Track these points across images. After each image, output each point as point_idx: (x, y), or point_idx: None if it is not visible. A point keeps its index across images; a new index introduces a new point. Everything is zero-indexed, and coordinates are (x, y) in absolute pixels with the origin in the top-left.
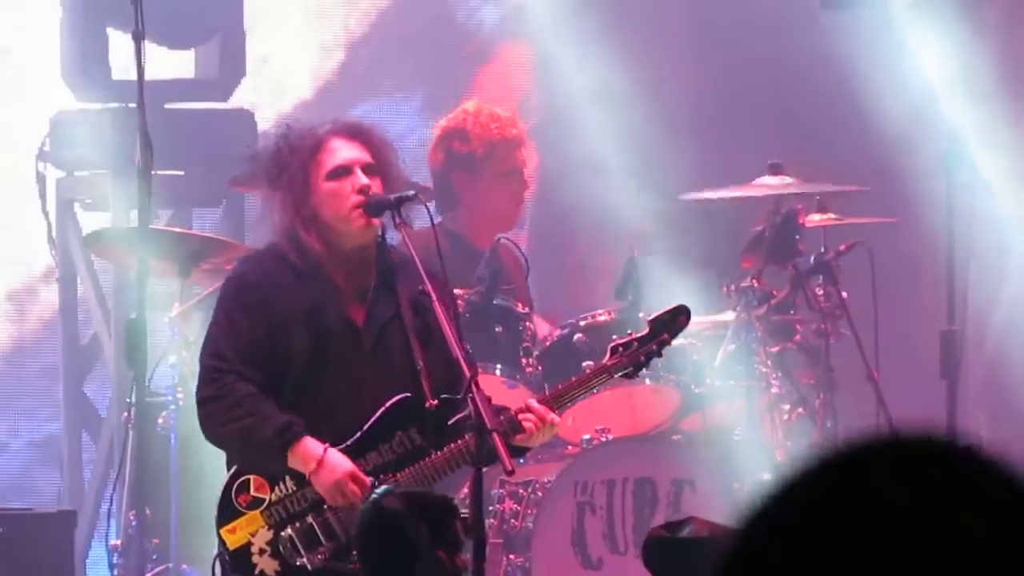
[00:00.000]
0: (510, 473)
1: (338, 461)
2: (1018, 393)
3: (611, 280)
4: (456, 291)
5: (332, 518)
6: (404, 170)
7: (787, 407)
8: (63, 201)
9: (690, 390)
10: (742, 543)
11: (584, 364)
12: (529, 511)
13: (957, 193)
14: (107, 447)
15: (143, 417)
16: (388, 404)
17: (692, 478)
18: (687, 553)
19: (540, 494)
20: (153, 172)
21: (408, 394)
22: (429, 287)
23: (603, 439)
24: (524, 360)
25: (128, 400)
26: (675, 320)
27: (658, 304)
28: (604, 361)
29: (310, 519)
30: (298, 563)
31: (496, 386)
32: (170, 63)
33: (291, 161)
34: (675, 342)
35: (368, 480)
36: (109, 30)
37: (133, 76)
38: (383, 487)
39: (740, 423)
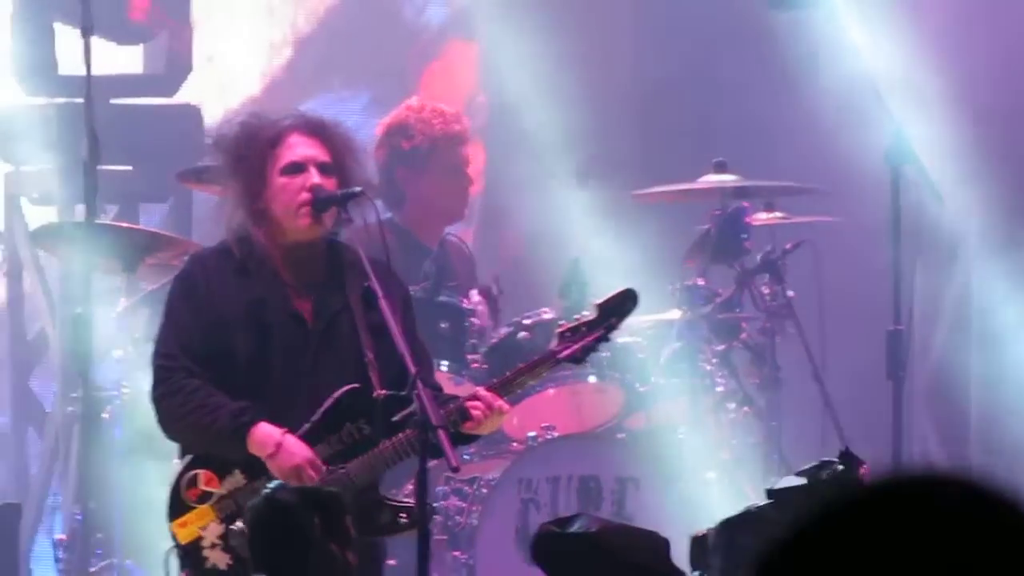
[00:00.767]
0: (455, 470)
1: (297, 446)
2: (963, 394)
3: (556, 278)
4: None
5: None
6: (365, 172)
7: (732, 406)
8: (10, 195)
9: (635, 388)
10: None
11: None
12: (474, 508)
13: (902, 192)
14: (52, 441)
15: (88, 411)
16: (336, 395)
17: (636, 476)
18: (577, 548)
19: (485, 491)
20: (100, 167)
21: (356, 385)
22: (375, 283)
23: (548, 436)
24: (469, 356)
25: (73, 395)
26: (623, 304)
27: None
28: (552, 346)
29: None
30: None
31: (442, 382)
32: (117, 59)
33: (249, 152)
34: (620, 340)
35: (324, 467)
36: (57, 25)
37: (81, 71)
38: (274, 482)
39: (685, 421)
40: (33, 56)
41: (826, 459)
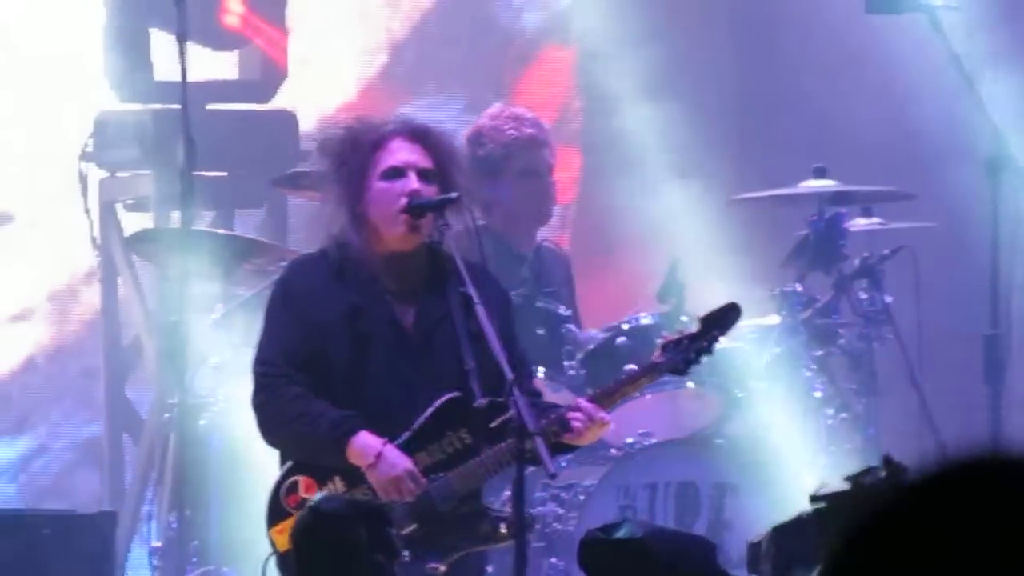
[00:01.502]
0: (552, 477)
1: (397, 457)
2: None
3: (654, 283)
4: None
5: None
6: (468, 179)
7: (830, 412)
8: (105, 202)
9: (733, 394)
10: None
11: (627, 367)
12: (571, 514)
13: (1002, 197)
14: (148, 449)
15: (184, 419)
16: (437, 403)
17: (735, 482)
18: (624, 554)
19: (582, 497)
20: (195, 173)
21: (457, 393)
22: (471, 289)
23: (645, 443)
24: (567, 363)
25: (170, 402)
26: (726, 317)
27: (700, 307)
28: (654, 358)
29: None
30: None
31: (541, 389)
32: (212, 65)
33: (352, 155)
34: (720, 345)
35: (424, 479)
36: (152, 31)
37: (176, 77)
38: (321, 493)
39: (783, 427)
40: (128, 63)
41: (871, 465)
